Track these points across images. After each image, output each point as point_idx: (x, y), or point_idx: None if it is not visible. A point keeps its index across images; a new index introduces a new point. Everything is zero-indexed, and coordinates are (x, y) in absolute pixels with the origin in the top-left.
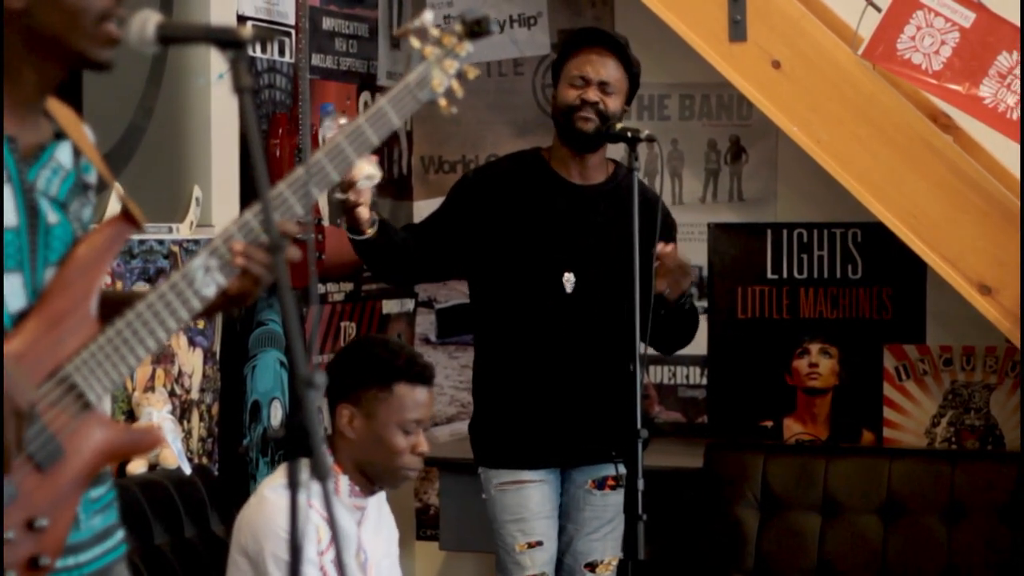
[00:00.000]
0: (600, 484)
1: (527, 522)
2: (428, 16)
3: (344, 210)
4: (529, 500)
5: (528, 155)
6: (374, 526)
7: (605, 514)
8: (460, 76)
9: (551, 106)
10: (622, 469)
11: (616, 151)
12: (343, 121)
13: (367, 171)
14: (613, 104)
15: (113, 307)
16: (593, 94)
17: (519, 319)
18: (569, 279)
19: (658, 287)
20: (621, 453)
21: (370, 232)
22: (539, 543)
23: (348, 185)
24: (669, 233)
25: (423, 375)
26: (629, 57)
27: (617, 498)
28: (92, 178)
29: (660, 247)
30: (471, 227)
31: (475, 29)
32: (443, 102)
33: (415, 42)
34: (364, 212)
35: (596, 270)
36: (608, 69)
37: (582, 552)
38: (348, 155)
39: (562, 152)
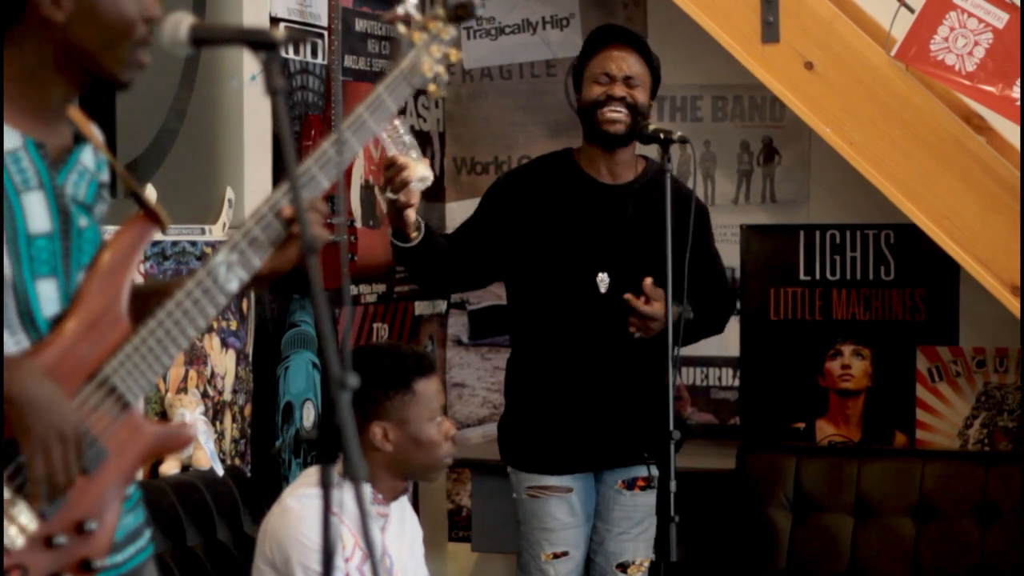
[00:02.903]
0: (630, 484)
1: (554, 532)
2: (411, 1)
3: (393, 212)
4: (557, 511)
5: (558, 156)
6: (397, 530)
7: (635, 514)
8: (446, 61)
9: (577, 106)
10: (654, 471)
11: (649, 152)
12: (397, 123)
13: (420, 173)
14: (641, 97)
15: (143, 300)
16: (619, 89)
17: (554, 320)
18: (603, 279)
19: (629, 329)
20: (653, 454)
21: (415, 237)
22: (564, 553)
23: (401, 185)
24: (703, 223)
25: (431, 365)
26: (649, 51)
27: (648, 499)
28: (106, 176)
29: (629, 296)
30: (505, 230)
31: (458, 13)
32: (432, 87)
33: (402, 28)
34: (412, 215)
35: (630, 269)
36: (631, 64)
37: (613, 552)
38: (352, 144)
39: (591, 151)
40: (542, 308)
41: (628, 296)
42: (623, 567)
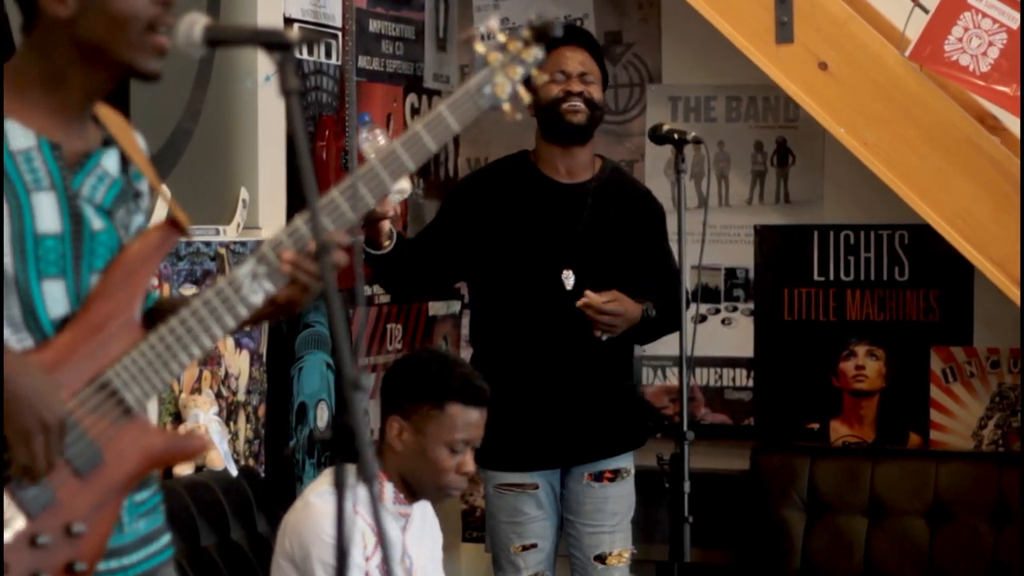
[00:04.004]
0: (597, 477)
1: (523, 525)
2: (494, 21)
3: (367, 222)
4: (525, 505)
5: (514, 158)
6: (418, 532)
7: (607, 506)
8: (527, 82)
9: (532, 107)
10: (623, 463)
11: (664, 152)
12: (379, 132)
13: (399, 185)
14: (596, 93)
15: (167, 313)
16: (577, 85)
17: (520, 319)
18: (569, 276)
19: (595, 332)
20: (621, 448)
21: (387, 245)
22: (533, 545)
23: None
24: (657, 223)
25: (477, 396)
26: (599, 48)
27: (618, 490)
28: (144, 186)
29: (581, 301)
30: (467, 232)
31: (542, 34)
32: (507, 107)
33: (480, 47)
34: (386, 225)
35: (594, 266)
36: (583, 61)
37: (589, 545)
38: (404, 162)
39: (549, 150)
40: (508, 307)
41: (589, 296)
42: (600, 559)
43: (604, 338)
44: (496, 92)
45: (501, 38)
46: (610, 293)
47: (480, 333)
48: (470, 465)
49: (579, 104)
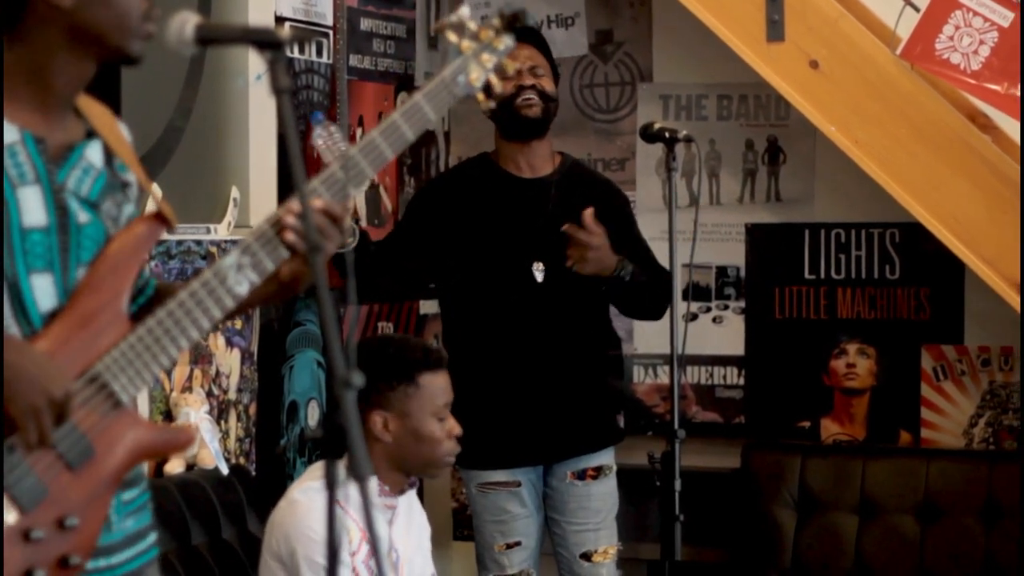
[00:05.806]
0: (580, 475)
1: (507, 524)
2: (465, 10)
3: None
4: (508, 503)
5: (476, 159)
6: (405, 524)
7: (591, 504)
8: (499, 70)
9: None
10: (605, 459)
11: (655, 151)
12: (334, 129)
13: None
14: (548, 85)
15: (165, 299)
16: (528, 78)
17: (492, 314)
18: (539, 268)
19: (567, 258)
20: (600, 444)
21: (350, 243)
22: (517, 543)
23: None
24: (623, 209)
25: (440, 359)
26: (545, 41)
27: (601, 487)
28: (130, 176)
29: (570, 225)
30: (434, 235)
31: (513, 23)
32: (480, 96)
33: (452, 36)
34: (347, 222)
35: (563, 257)
36: (531, 55)
37: (575, 543)
38: (383, 150)
39: (509, 148)
40: (480, 304)
41: (569, 225)
42: (586, 556)
43: (571, 265)
44: (470, 81)
45: (472, 27)
46: (594, 224)
47: (454, 335)
48: (457, 427)
49: (533, 97)
